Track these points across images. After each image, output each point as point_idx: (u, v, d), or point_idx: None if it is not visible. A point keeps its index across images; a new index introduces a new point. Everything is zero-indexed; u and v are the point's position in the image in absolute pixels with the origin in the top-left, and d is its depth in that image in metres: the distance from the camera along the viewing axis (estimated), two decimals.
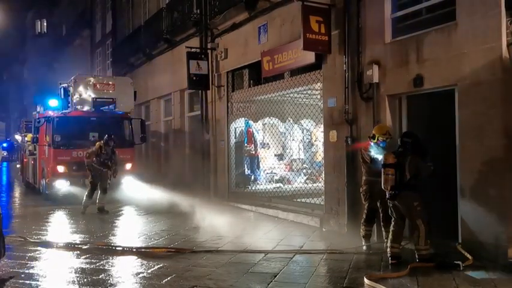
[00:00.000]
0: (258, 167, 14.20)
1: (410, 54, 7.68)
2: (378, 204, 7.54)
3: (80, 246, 8.12)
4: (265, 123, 14.11)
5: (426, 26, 7.57)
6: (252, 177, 13.92)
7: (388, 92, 8.17)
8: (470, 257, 6.44)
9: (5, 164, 41.56)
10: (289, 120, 13.35)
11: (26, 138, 18.30)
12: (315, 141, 13.98)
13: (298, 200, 11.14)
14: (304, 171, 14.08)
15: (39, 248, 7.91)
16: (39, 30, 47.68)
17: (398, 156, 6.60)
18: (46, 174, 14.25)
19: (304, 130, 14.87)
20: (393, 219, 6.82)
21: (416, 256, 6.57)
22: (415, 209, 6.49)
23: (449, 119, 7.20)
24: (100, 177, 11.73)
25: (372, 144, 7.35)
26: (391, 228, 6.83)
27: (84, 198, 11.74)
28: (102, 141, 11.79)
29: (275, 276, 6.15)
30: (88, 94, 14.24)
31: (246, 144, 13.99)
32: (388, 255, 6.71)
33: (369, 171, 7.49)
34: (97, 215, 11.50)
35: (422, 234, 6.47)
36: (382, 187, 6.71)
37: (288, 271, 6.47)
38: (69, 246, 8.10)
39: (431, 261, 6.46)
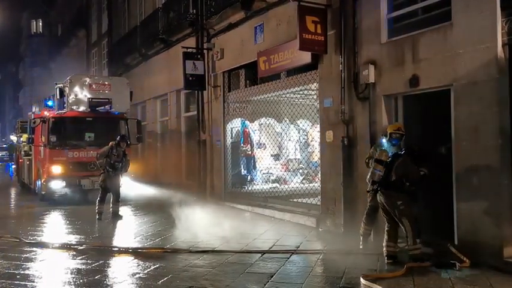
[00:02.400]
0: (255, 167, 14.18)
1: (406, 54, 7.69)
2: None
3: (75, 247, 8.09)
4: (262, 124, 14.10)
5: (422, 26, 7.58)
6: (249, 178, 13.91)
7: (384, 92, 8.19)
8: (466, 260, 6.45)
9: None
10: (285, 121, 13.35)
11: (22, 139, 18.22)
12: (311, 141, 13.98)
13: (295, 200, 11.14)
14: (301, 171, 14.08)
15: (34, 249, 7.89)
16: (35, 30, 47.59)
17: (394, 156, 6.69)
18: (42, 174, 14.20)
19: (301, 130, 14.87)
20: (385, 219, 6.89)
21: (409, 256, 6.59)
22: (398, 207, 6.59)
23: (445, 119, 7.21)
24: (110, 180, 11.14)
25: (384, 141, 7.43)
26: (385, 228, 6.90)
27: (97, 204, 11.10)
28: (114, 142, 11.20)
29: (272, 277, 6.15)
30: (84, 94, 14.17)
31: (242, 145, 13.97)
32: (384, 254, 6.74)
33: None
34: (100, 217, 11.03)
35: (410, 234, 6.53)
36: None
37: (284, 271, 6.47)
38: (65, 247, 8.08)
39: (424, 260, 6.49)
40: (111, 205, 11.18)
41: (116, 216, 11.07)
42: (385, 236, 6.82)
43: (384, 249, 6.77)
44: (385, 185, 6.69)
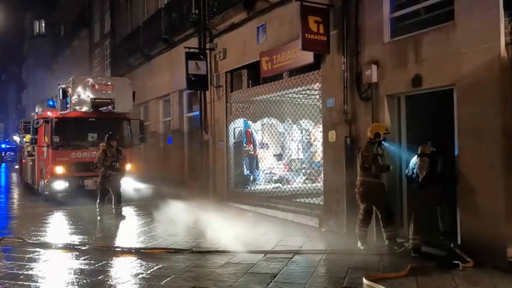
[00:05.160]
0: (257, 167, 14.19)
1: (409, 54, 7.68)
2: (373, 205, 7.57)
3: (79, 247, 8.10)
4: (264, 124, 14.10)
5: (425, 25, 7.57)
6: (251, 178, 13.91)
7: (386, 92, 8.18)
8: (469, 260, 6.44)
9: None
10: (288, 121, 13.34)
11: (25, 139, 18.27)
12: (313, 141, 13.97)
13: (297, 200, 11.13)
14: (303, 171, 14.08)
15: (38, 249, 7.90)
16: (38, 31, 47.66)
17: (433, 152, 7.11)
18: (45, 175, 14.23)
19: (303, 130, 14.87)
20: (421, 212, 7.16)
21: (412, 245, 7.02)
22: (447, 201, 7.08)
23: (448, 118, 7.20)
24: (109, 181, 11.12)
25: (383, 142, 7.60)
26: (420, 220, 7.11)
27: (97, 205, 11.09)
28: (104, 144, 11.21)
29: (274, 277, 6.15)
30: (87, 95, 14.21)
31: (245, 145, 13.98)
32: (411, 247, 7.12)
33: (367, 172, 7.48)
34: (102, 218, 11.00)
35: (413, 223, 7.05)
36: (417, 172, 7.15)
37: (287, 271, 6.47)
38: (68, 247, 8.09)
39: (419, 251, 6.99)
40: (113, 206, 11.18)
41: (119, 217, 11.08)
42: (418, 229, 7.04)
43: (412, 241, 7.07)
44: (431, 178, 7.01)
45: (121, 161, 11.31)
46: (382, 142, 7.57)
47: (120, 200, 11.31)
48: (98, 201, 11.19)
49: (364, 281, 5.80)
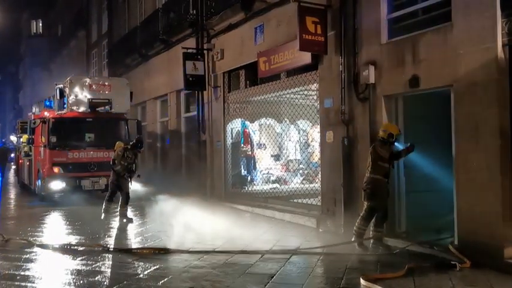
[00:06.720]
0: (255, 168, 14.19)
1: (406, 54, 7.69)
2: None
3: (75, 247, 8.08)
4: (262, 124, 14.11)
5: (422, 26, 7.59)
6: (249, 178, 13.91)
7: (384, 92, 8.19)
8: (467, 260, 6.44)
9: None
10: (285, 121, 13.36)
11: (22, 140, 18.21)
12: (311, 141, 13.98)
13: (295, 200, 11.14)
14: (301, 171, 14.09)
15: (35, 250, 7.89)
16: (35, 31, 47.52)
17: None
18: (42, 175, 14.20)
19: (301, 131, 14.88)
20: None
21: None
22: None
23: (446, 119, 7.22)
24: (123, 181, 11.01)
25: (396, 143, 7.58)
26: None
27: (104, 203, 11.03)
28: (127, 145, 11.13)
29: (272, 277, 6.15)
30: (84, 95, 14.17)
31: (242, 145, 13.98)
32: None
33: (378, 170, 7.42)
34: (107, 216, 11.03)
35: None
36: None
37: (284, 272, 6.47)
38: (65, 248, 8.06)
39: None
40: (119, 207, 10.98)
41: (124, 218, 10.80)
42: None
43: None
44: None
45: (136, 165, 11.17)
46: (396, 143, 7.54)
47: (128, 202, 11.05)
48: (106, 198, 11.07)
49: (362, 281, 5.80)
